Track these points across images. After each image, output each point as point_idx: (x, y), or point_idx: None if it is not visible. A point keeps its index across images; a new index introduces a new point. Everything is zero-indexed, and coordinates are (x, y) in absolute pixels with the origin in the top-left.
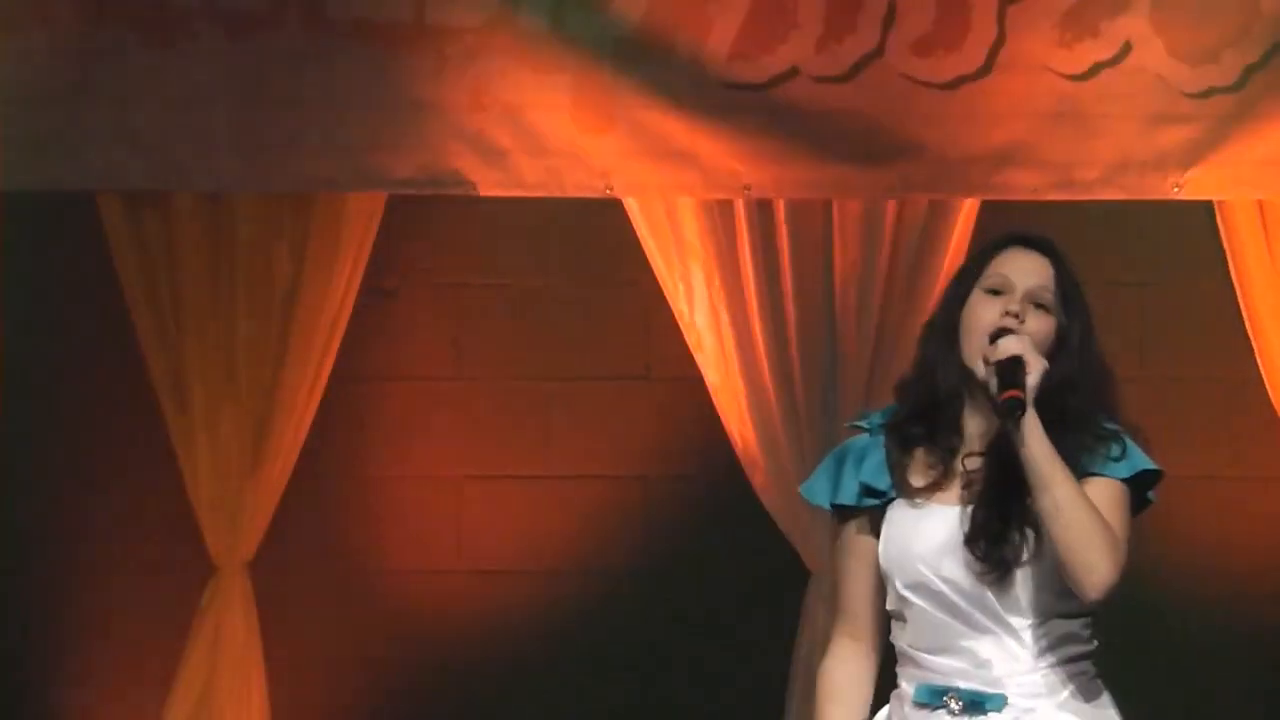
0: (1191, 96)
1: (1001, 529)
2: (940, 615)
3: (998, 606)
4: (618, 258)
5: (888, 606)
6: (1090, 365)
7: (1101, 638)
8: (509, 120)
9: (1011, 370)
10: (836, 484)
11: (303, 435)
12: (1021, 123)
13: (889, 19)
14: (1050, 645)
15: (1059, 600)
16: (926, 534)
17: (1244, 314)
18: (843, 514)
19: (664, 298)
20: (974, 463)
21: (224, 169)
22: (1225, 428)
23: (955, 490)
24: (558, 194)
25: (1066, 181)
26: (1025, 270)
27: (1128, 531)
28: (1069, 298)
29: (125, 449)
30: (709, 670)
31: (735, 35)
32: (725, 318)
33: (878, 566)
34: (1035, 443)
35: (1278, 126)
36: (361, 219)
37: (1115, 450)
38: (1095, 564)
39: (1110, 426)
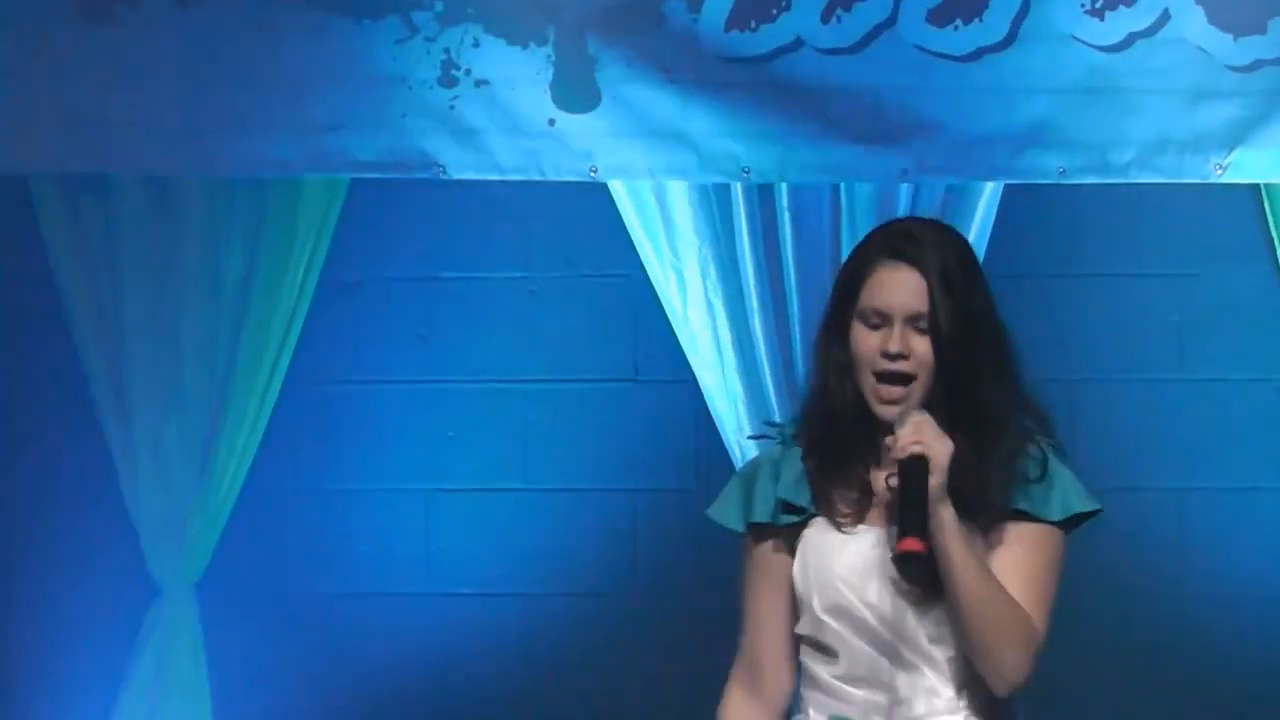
0: (1236, 70)
1: (929, 546)
2: (859, 643)
3: (920, 635)
4: (603, 248)
5: (799, 630)
6: (978, 356)
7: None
8: (483, 96)
9: (915, 473)
10: (749, 502)
11: (255, 444)
12: (1048, 99)
13: None
14: (975, 679)
15: None
16: (850, 555)
17: None
18: (757, 534)
19: (654, 292)
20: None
21: (169, 151)
22: (1272, 435)
23: (879, 511)
24: (537, 178)
25: (1098, 164)
26: (898, 293)
27: (1051, 594)
28: (947, 308)
29: (60, 459)
30: (703, 703)
31: (733, 3)
32: (722, 314)
33: (793, 594)
34: (945, 535)
35: None
36: (320, 205)
37: (1032, 469)
38: (1008, 660)
39: (1033, 444)
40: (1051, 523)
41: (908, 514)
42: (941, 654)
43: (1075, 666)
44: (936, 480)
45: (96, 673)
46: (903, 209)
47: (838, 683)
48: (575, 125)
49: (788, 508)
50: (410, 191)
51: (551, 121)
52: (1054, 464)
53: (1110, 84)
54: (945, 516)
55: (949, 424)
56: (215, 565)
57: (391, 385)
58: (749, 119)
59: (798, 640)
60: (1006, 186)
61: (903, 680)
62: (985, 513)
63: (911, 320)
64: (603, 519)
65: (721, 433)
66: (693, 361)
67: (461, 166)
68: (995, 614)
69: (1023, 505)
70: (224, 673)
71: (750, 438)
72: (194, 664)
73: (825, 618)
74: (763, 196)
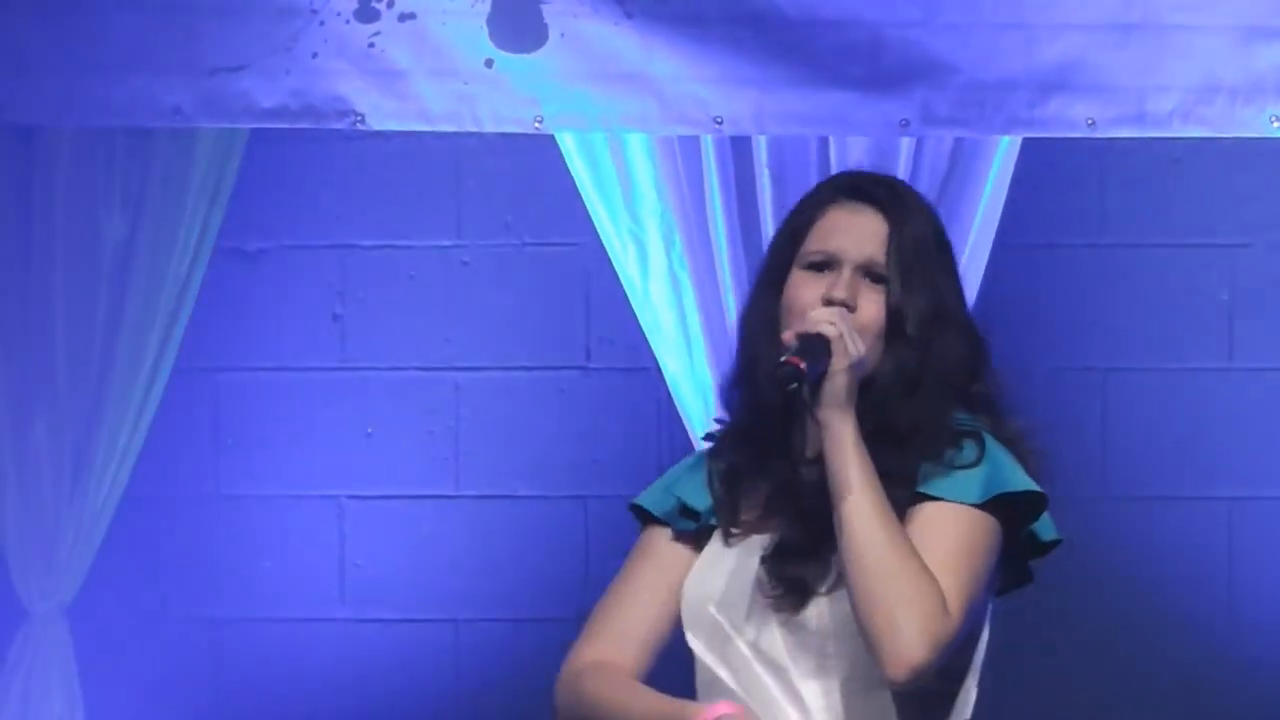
0: None
1: (810, 546)
2: (725, 680)
3: (789, 664)
4: (549, 212)
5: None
6: (943, 356)
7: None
8: (409, 33)
9: (812, 348)
10: (651, 492)
11: (138, 444)
12: (1076, 37)
13: None
14: None
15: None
16: (729, 569)
17: None
18: (654, 522)
19: (610, 263)
20: (812, 472)
21: (38, 96)
22: None
23: (778, 518)
24: (472, 128)
25: (1134, 114)
26: (854, 235)
27: (971, 582)
28: (909, 267)
29: None
30: None
31: None
32: (689, 290)
33: (677, 604)
34: (841, 452)
35: None
36: (216, 160)
37: (968, 454)
38: (904, 631)
39: (967, 424)
40: (972, 505)
41: (803, 351)
42: (814, 690)
43: (1113, 697)
44: (840, 379)
45: None
46: (904, 167)
47: None
48: (517, 67)
49: (685, 510)
50: (322, 144)
51: (489, 62)
52: (991, 449)
53: (1149, 19)
54: (843, 433)
55: (875, 431)
56: (91, 585)
57: (299, 373)
58: (721, 60)
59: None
60: (1026, 141)
61: None
62: (895, 491)
63: (865, 269)
64: (549, 531)
65: (688, 429)
66: (654, 346)
67: (383, 115)
68: (895, 568)
69: (937, 492)
70: (101, 710)
71: (705, 437)
72: (66, 700)
73: (695, 647)
74: (738, 151)
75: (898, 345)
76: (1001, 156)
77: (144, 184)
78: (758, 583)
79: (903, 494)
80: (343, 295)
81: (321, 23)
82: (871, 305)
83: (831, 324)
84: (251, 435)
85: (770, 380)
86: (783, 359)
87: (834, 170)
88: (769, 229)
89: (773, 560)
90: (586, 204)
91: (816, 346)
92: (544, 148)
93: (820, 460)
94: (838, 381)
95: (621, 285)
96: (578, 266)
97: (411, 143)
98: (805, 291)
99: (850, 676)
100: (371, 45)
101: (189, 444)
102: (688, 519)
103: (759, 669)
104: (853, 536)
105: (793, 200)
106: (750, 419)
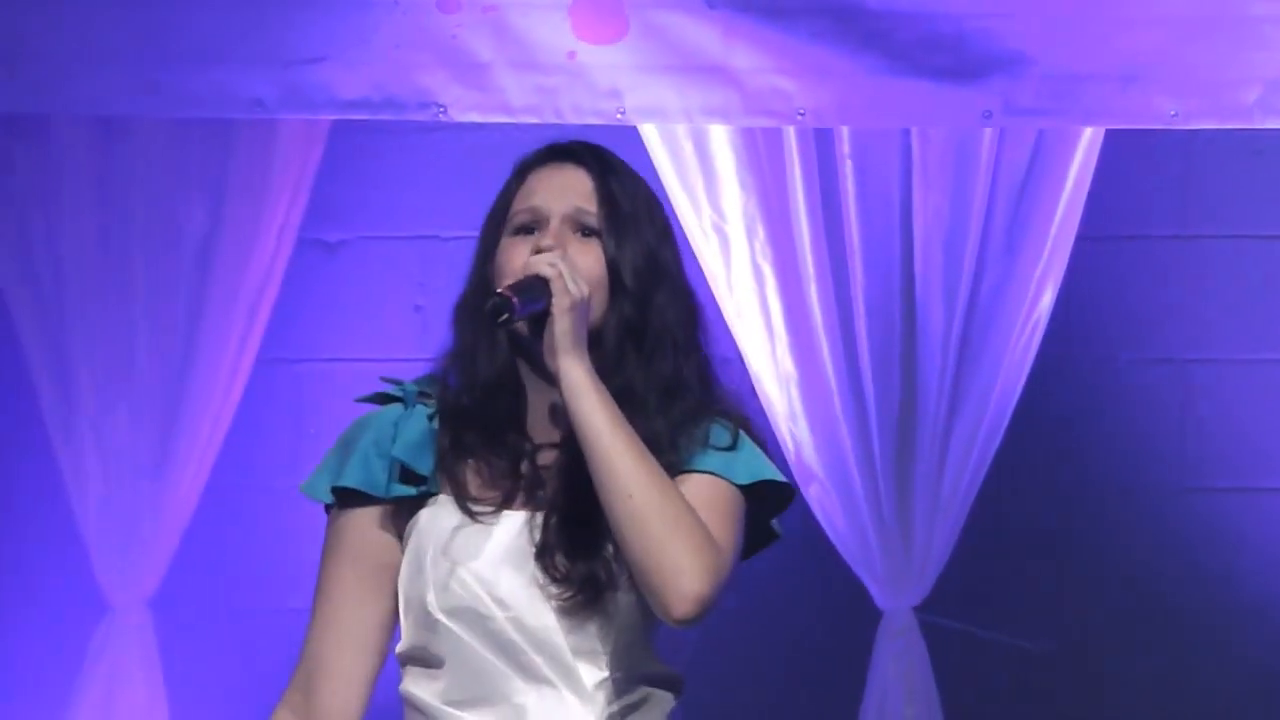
0: None
1: (589, 540)
2: (484, 653)
3: (564, 647)
4: None
5: (400, 649)
6: (663, 312)
7: None
8: (491, 24)
9: (530, 289)
10: (342, 465)
11: (220, 435)
12: (1159, 29)
13: None
14: (627, 708)
15: (647, 653)
16: (481, 539)
17: None
18: (352, 503)
19: (692, 254)
20: (546, 457)
21: (119, 88)
22: None
23: (522, 498)
24: (553, 120)
25: (1216, 105)
26: (557, 190)
27: (732, 548)
28: (622, 217)
29: None
30: None
31: None
32: (772, 281)
33: (390, 596)
34: (581, 396)
35: None
36: (298, 152)
37: (722, 437)
38: (684, 565)
39: (724, 417)
40: (735, 485)
41: (521, 293)
42: (591, 675)
43: (1189, 690)
44: (564, 321)
45: (37, 702)
46: (985, 158)
47: (448, 708)
48: (599, 58)
49: (406, 474)
50: (404, 136)
51: (572, 54)
52: (744, 438)
53: (1231, 11)
54: (578, 377)
55: (621, 389)
56: (173, 577)
57: (381, 364)
58: (803, 52)
59: (383, 660)
60: (1109, 132)
61: (535, 702)
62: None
63: (574, 222)
64: None
65: (770, 419)
66: (738, 336)
67: (465, 106)
68: (665, 504)
69: (703, 467)
70: (184, 702)
71: (359, 400)
72: (149, 692)
73: (441, 618)
74: (820, 143)
75: (618, 298)
76: (1084, 147)
77: (225, 175)
78: (532, 573)
79: (659, 460)
80: (424, 286)
81: (403, 14)
82: (587, 256)
83: (551, 265)
84: (333, 427)
85: (482, 316)
86: (498, 290)
87: (917, 162)
88: (852, 220)
89: (547, 557)
90: (669, 195)
91: (535, 287)
92: (626, 139)
93: (558, 445)
94: (562, 324)
95: (704, 276)
96: None
97: (494, 134)
98: (513, 254)
99: (628, 661)
100: (454, 36)
101: (271, 435)
102: (407, 483)
103: (522, 641)
104: (615, 478)
105: (875, 191)
106: (471, 402)
